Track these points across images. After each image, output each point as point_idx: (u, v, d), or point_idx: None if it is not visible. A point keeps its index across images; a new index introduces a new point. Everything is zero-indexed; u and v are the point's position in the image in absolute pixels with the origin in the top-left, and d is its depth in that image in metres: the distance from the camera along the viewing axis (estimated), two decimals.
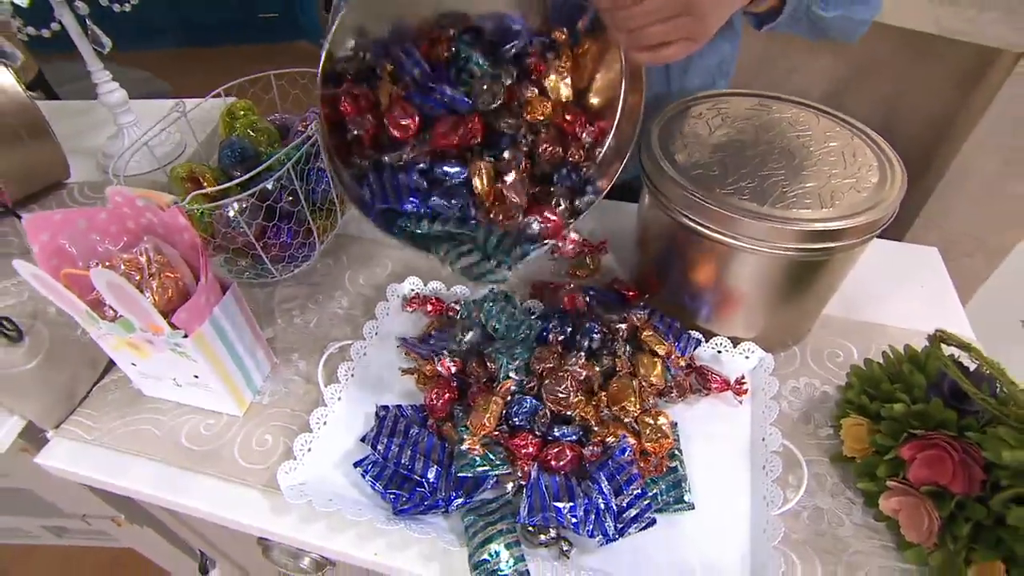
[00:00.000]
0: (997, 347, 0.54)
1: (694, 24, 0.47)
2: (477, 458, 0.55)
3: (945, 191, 1.20)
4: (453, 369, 0.63)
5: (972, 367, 0.52)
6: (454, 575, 0.53)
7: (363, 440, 0.60)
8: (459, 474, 0.55)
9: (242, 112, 0.78)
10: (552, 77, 0.62)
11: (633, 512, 0.52)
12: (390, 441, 0.58)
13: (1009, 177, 1.13)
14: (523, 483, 0.55)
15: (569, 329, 0.64)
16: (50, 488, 0.80)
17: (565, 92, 0.63)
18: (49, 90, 1.51)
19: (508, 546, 0.51)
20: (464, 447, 0.55)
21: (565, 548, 0.52)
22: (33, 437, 0.64)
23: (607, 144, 0.64)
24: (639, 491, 0.53)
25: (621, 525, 0.52)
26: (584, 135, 0.63)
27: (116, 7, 0.79)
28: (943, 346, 0.52)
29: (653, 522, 0.53)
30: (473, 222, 0.59)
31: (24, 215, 0.54)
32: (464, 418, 0.58)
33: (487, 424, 0.56)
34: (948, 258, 0.81)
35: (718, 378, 0.64)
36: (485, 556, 0.50)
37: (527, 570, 0.50)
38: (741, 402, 0.64)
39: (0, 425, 0.62)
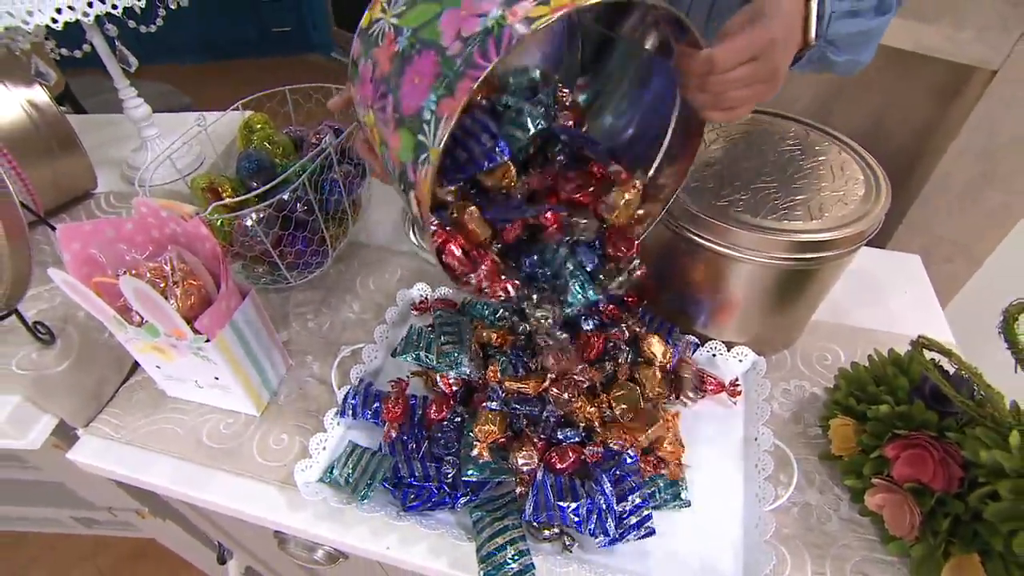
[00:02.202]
0: (975, 349, 0.57)
1: (769, 88, 0.50)
2: (485, 463, 0.57)
3: (927, 199, 1.23)
4: (455, 388, 0.64)
5: (952, 371, 0.54)
6: (462, 568, 0.55)
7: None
8: (464, 478, 0.57)
9: (259, 125, 0.82)
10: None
11: (633, 520, 0.54)
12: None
13: (985, 187, 1.17)
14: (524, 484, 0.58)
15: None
16: (79, 481, 0.83)
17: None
18: (76, 102, 1.57)
19: (513, 540, 0.54)
20: (474, 453, 0.58)
21: (568, 543, 0.55)
22: (64, 434, 0.68)
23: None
24: (640, 501, 0.55)
25: (621, 531, 0.54)
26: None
27: (143, 28, 0.83)
28: (925, 351, 0.55)
29: (652, 532, 0.54)
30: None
31: (58, 225, 0.58)
32: (471, 422, 0.61)
33: (495, 431, 0.58)
34: (930, 263, 0.84)
35: (713, 380, 0.66)
36: (492, 549, 0.53)
37: (532, 563, 0.53)
38: (735, 403, 0.66)
39: (35, 423, 0.65)
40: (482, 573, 0.52)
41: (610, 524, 0.54)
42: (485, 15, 0.40)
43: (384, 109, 0.46)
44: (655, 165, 0.61)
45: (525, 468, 0.57)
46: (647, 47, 0.56)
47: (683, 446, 0.61)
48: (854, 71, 0.62)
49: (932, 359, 0.55)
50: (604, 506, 0.54)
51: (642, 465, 0.58)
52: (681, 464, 0.60)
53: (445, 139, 0.40)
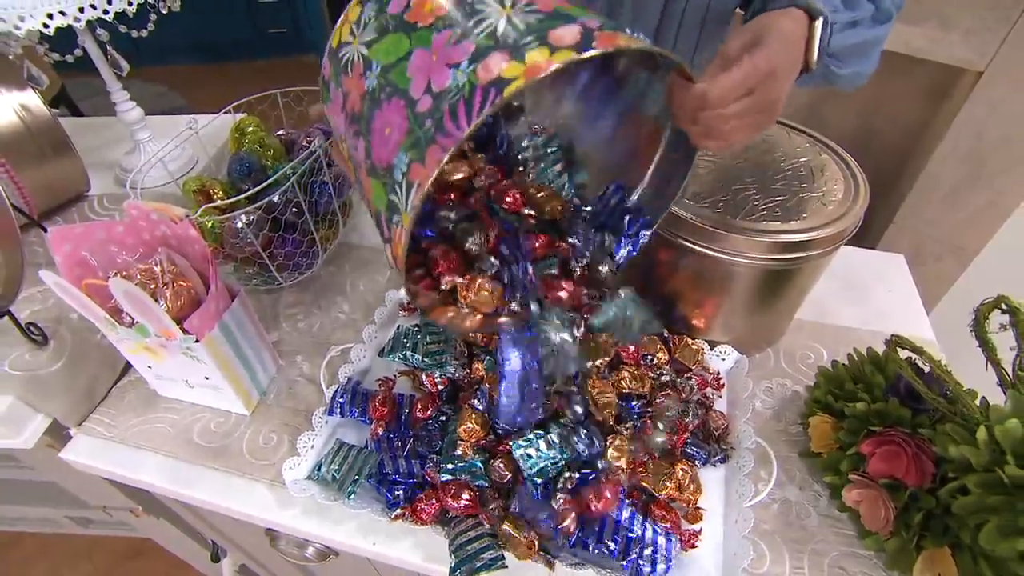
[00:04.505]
0: (964, 346, 0.57)
1: (767, 118, 0.48)
2: (461, 465, 0.57)
3: (916, 198, 1.24)
4: (440, 387, 0.65)
5: (927, 368, 0.55)
6: (445, 562, 0.56)
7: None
8: (441, 477, 0.57)
9: (250, 128, 0.82)
10: None
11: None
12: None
13: (973, 186, 1.19)
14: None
15: None
16: (73, 481, 0.84)
17: None
18: (72, 104, 1.57)
19: (481, 536, 0.54)
20: (458, 452, 0.58)
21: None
22: (57, 434, 0.69)
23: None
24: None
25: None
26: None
27: (134, 33, 0.84)
28: (899, 350, 0.56)
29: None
30: None
31: (49, 228, 0.59)
32: (455, 420, 0.61)
33: (479, 431, 0.59)
34: (919, 262, 0.85)
35: (697, 376, 0.67)
36: (463, 541, 0.54)
37: (502, 555, 0.53)
38: (721, 396, 0.67)
39: (28, 423, 0.66)
40: (454, 560, 0.53)
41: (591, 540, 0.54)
42: (456, 67, 0.38)
43: (356, 149, 0.45)
44: (639, 190, 0.59)
45: (501, 478, 0.57)
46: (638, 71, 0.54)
47: (701, 489, 0.59)
48: (858, 83, 0.61)
49: (909, 358, 0.56)
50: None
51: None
52: (700, 510, 0.58)
53: (418, 207, 0.38)
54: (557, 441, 0.56)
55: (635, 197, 0.60)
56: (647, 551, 0.53)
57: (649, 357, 0.66)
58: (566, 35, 0.37)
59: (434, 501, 0.57)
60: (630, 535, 0.54)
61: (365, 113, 0.43)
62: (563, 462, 0.55)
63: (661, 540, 0.55)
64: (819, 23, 0.50)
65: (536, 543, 0.53)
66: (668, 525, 0.56)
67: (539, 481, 0.54)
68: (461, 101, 0.37)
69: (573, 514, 0.53)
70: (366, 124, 0.43)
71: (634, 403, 0.62)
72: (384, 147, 0.41)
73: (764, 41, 0.46)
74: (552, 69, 0.35)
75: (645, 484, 0.57)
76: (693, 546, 0.56)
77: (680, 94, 0.45)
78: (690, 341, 0.69)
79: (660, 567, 0.53)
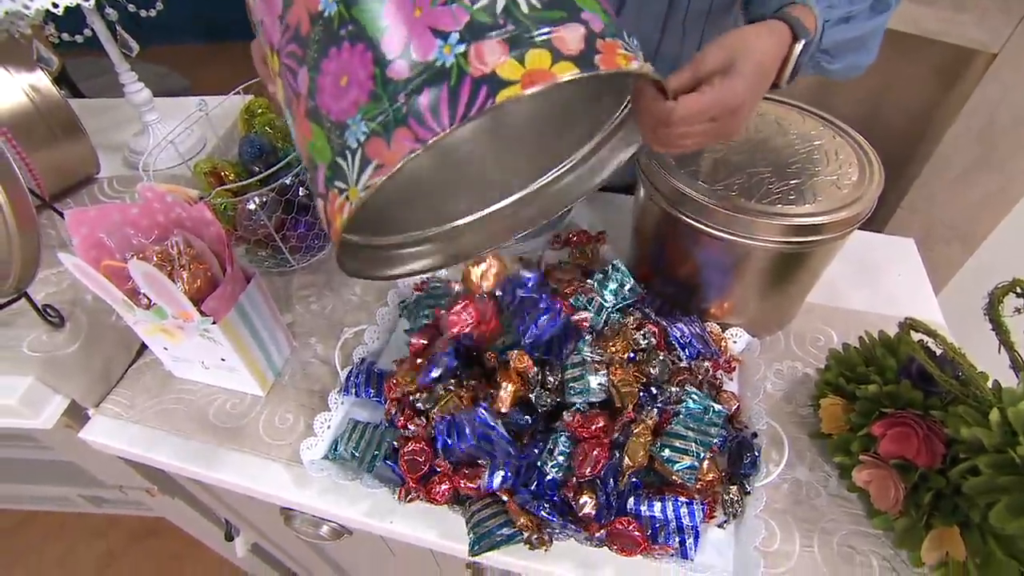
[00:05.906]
0: (971, 329, 0.58)
1: (723, 139, 0.49)
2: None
3: (926, 182, 1.24)
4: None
5: (939, 352, 0.56)
6: (459, 540, 0.57)
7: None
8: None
9: (260, 110, 0.82)
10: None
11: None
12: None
13: (983, 170, 1.18)
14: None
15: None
16: (91, 461, 0.85)
17: None
18: (72, 85, 1.56)
19: (497, 514, 0.56)
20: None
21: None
22: (76, 415, 0.70)
23: None
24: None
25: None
26: None
27: (143, 13, 0.83)
28: (912, 333, 0.56)
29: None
30: None
31: (65, 211, 0.59)
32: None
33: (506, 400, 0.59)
34: (928, 245, 0.85)
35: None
36: (480, 518, 0.55)
37: (519, 530, 0.54)
38: (732, 378, 0.68)
39: (47, 403, 0.67)
40: (472, 536, 0.54)
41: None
42: (444, 38, 0.32)
43: (295, 77, 0.37)
44: (596, 139, 0.57)
45: None
46: None
47: (719, 469, 0.59)
48: (853, 75, 0.61)
49: (920, 340, 0.57)
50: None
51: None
52: (717, 492, 0.58)
53: (374, 188, 0.32)
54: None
55: (572, 161, 0.57)
56: (672, 525, 0.55)
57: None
58: (570, 39, 0.33)
59: (447, 484, 0.58)
60: (653, 516, 0.55)
61: (315, 40, 0.35)
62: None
63: (684, 511, 0.55)
64: (799, 46, 0.49)
65: (531, 522, 0.54)
66: (688, 500, 0.57)
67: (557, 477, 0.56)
68: (445, 90, 0.31)
69: (591, 501, 0.55)
70: (314, 57, 0.35)
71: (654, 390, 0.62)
72: (337, 99, 0.34)
73: (737, 68, 0.45)
74: (552, 83, 0.32)
75: (661, 469, 0.58)
76: (712, 516, 0.57)
77: (649, 103, 0.46)
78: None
79: (689, 541, 0.54)
